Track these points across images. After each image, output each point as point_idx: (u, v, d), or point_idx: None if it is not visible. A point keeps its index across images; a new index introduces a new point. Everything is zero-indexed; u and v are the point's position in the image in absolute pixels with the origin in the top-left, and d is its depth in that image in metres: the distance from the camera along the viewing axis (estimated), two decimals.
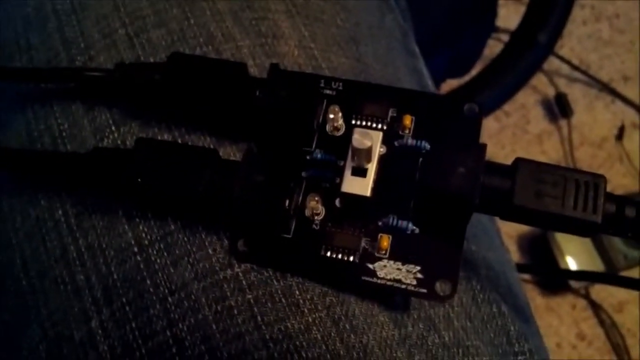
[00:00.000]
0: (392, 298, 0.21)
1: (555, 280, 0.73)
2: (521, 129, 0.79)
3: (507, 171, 0.19)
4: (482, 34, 0.65)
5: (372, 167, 0.20)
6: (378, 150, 0.20)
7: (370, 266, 0.20)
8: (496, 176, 0.19)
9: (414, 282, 0.20)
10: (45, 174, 0.23)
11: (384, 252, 0.20)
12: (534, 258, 0.72)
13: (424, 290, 0.19)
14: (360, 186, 0.20)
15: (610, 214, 0.19)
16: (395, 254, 0.20)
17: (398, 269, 0.20)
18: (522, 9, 0.65)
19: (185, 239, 0.21)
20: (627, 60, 0.81)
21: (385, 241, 0.20)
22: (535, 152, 0.79)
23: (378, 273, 0.20)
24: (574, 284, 0.71)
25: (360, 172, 0.20)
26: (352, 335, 0.20)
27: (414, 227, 0.20)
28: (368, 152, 0.19)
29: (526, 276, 0.73)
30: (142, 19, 0.24)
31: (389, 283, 0.20)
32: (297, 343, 0.19)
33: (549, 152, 0.78)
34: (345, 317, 0.20)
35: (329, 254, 0.20)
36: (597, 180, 0.19)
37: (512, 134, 0.79)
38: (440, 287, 0.19)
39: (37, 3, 0.26)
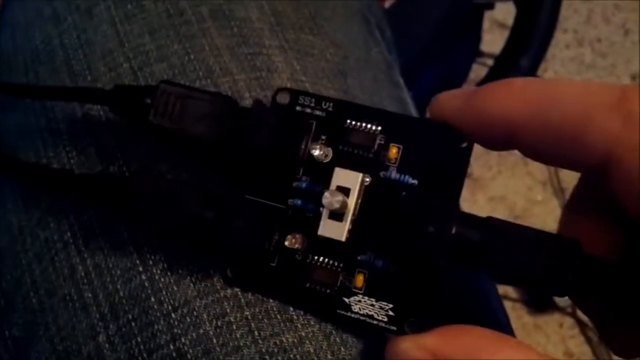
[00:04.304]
0: (364, 332, 0.21)
1: (542, 299, 0.74)
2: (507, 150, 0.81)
3: (479, 226, 0.19)
4: (466, 56, 0.67)
5: (348, 212, 0.20)
6: (357, 191, 0.21)
7: (346, 300, 0.20)
8: (468, 230, 0.19)
9: (385, 319, 0.20)
10: (56, 189, 0.24)
11: (359, 288, 0.20)
12: None
13: (394, 328, 0.20)
14: (336, 230, 0.20)
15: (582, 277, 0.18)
16: (370, 291, 0.20)
17: (372, 304, 0.20)
18: (506, 34, 0.67)
19: (188, 259, 0.22)
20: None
21: (361, 278, 0.20)
22: (520, 174, 0.81)
23: (353, 307, 0.20)
24: (561, 302, 0.72)
25: (337, 216, 0.20)
26: (342, 348, 0.21)
27: (390, 266, 0.20)
28: (343, 203, 0.20)
29: (514, 295, 0.75)
30: (145, 54, 0.25)
31: (362, 318, 0.20)
32: (291, 356, 0.21)
33: (534, 173, 0.80)
34: (336, 331, 0.21)
35: (308, 285, 0.21)
36: (574, 245, 0.18)
37: (498, 155, 0.80)
38: (409, 326, 0.20)
39: (45, 37, 0.27)
